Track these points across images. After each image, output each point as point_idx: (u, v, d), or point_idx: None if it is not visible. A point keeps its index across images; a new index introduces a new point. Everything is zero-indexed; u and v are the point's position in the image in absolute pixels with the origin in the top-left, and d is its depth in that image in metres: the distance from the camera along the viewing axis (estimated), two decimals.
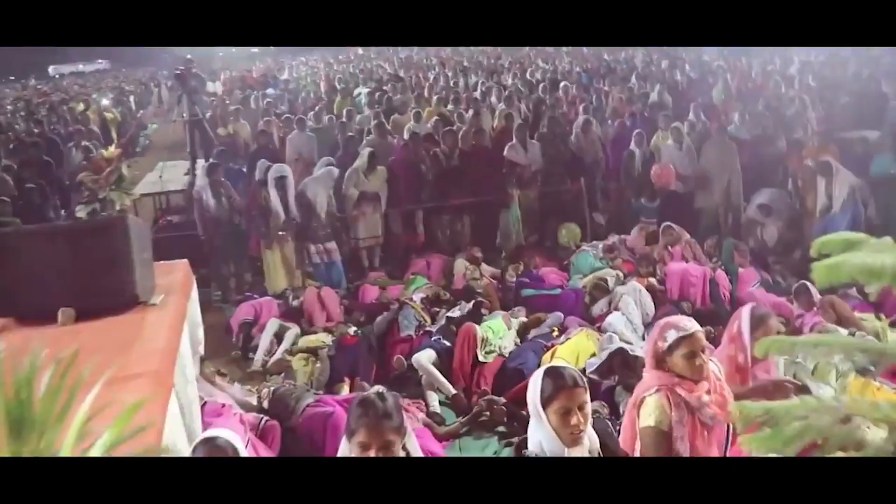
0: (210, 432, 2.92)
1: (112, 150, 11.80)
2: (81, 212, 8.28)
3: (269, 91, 20.36)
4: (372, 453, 2.52)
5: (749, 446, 1.59)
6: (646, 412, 3.28)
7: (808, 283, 7.20)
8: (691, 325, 3.30)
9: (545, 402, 2.62)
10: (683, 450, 3.16)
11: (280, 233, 8.94)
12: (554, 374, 2.69)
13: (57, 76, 50.79)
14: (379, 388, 2.93)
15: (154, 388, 3.42)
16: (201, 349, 5.70)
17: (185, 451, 3.90)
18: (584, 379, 2.75)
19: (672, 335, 3.26)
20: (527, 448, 2.70)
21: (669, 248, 8.87)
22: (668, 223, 9.19)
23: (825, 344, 1.59)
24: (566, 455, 2.58)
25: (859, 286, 7.89)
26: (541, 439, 2.64)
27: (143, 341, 3.96)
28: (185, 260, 5.45)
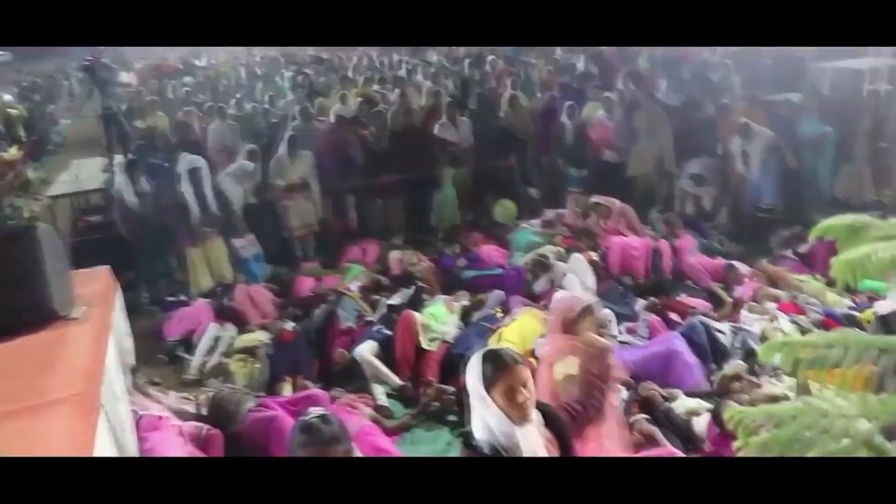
0: None
1: (13, 151, 11.12)
2: None
3: (187, 80, 19.60)
4: None
5: (749, 450, 1.48)
6: (561, 368, 3.76)
7: (733, 263, 7.46)
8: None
9: (488, 386, 2.60)
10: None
11: (204, 229, 8.58)
12: (492, 356, 2.68)
13: None
14: (319, 409, 2.75)
15: (79, 413, 3.16)
16: (131, 360, 5.39)
17: None
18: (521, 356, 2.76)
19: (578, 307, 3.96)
20: (474, 438, 2.64)
21: (603, 222, 8.80)
22: (596, 199, 9.08)
23: (839, 343, 1.45)
24: (517, 433, 2.56)
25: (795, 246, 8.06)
26: (488, 422, 2.60)
27: (64, 360, 3.67)
28: (106, 267, 5.11)
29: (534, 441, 2.61)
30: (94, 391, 3.48)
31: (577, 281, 7.20)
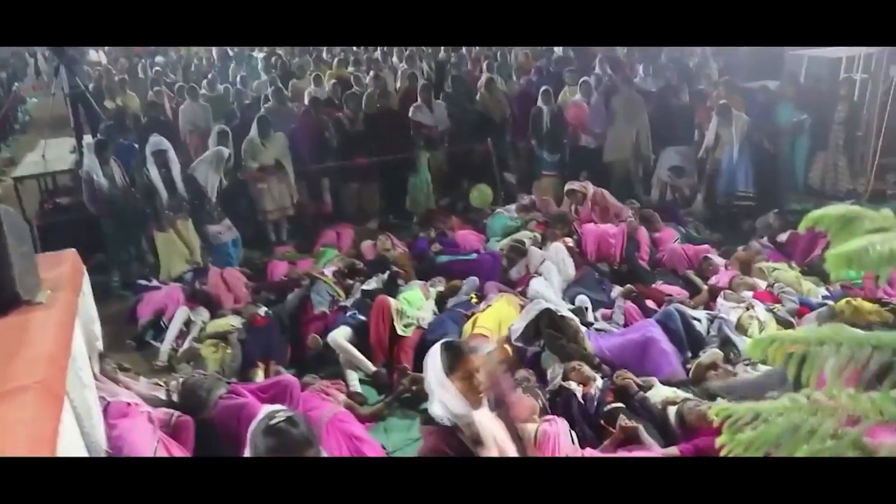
0: None
1: None
2: None
3: (158, 59, 19.30)
4: None
5: (734, 448, 1.44)
6: None
7: (709, 255, 7.48)
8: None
9: (448, 372, 2.80)
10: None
11: (172, 213, 8.42)
12: (451, 346, 2.90)
13: None
14: (283, 411, 2.68)
15: (43, 401, 3.06)
16: (100, 345, 5.26)
17: None
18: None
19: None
20: (432, 419, 2.84)
21: (577, 207, 8.76)
22: (570, 185, 8.98)
23: (831, 340, 1.40)
24: (473, 414, 2.79)
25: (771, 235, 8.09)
26: (447, 404, 2.79)
27: (28, 347, 3.54)
28: (73, 250, 4.96)
29: (488, 422, 2.84)
30: (59, 378, 3.37)
31: (554, 269, 7.15)
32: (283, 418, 2.57)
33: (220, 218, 8.88)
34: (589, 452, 4.31)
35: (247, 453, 2.61)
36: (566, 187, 8.97)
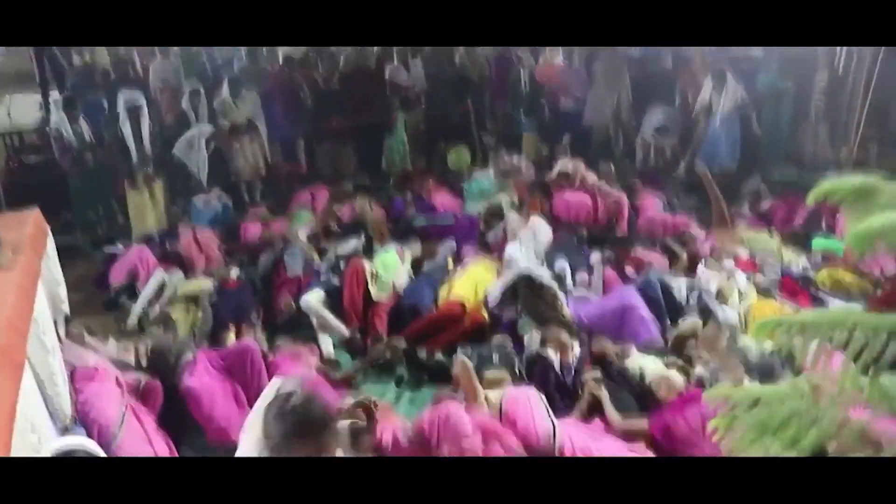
0: (67, 443, 2.46)
1: None
2: None
3: None
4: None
5: (728, 432, 1.36)
6: None
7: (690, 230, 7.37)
8: None
9: None
10: None
11: (146, 170, 8.23)
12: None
13: None
14: (292, 382, 2.51)
15: (2, 369, 2.94)
16: (65, 308, 5.13)
17: (48, 429, 3.45)
18: None
19: None
20: None
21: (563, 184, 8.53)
22: (561, 167, 8.39)
23: (843, 324, 1.31)
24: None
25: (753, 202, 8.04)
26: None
27: None
28: (36, 210, 4.80)
29: None
30: (19, 343, 3.25)
31: (531, 234, 7.05)
32: (298, 400, 2.37)
33: (210, 188, 8.83)
34: (564, 421, 4.24)
35: (252, 433, 2.43)
36: (557, 169, 8.46)
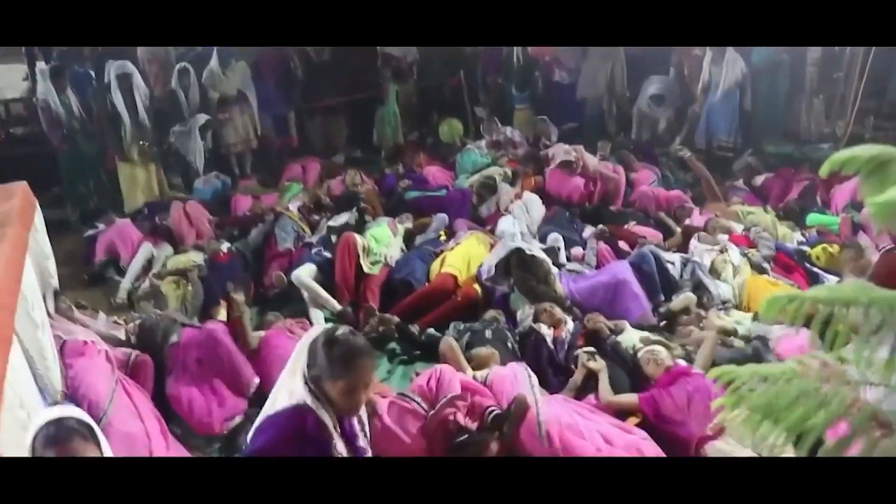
0: (56, 412, 2.45)
1: None
2: None
3: None
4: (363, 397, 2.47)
5: (733, 413, 1.33)
6: None
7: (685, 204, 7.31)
8: None
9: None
10: None
11: (141, 143, 8.14)
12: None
13: None
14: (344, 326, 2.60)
15: None
16: (54, 282, 5.06)
17: (37, 404, 3.42)
18: None
19: None
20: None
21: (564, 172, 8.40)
22: (564, 157, 8.00)
23: (858, 300, 1.27)
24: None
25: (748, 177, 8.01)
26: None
27: None
28: (24, 182, 4.72)
29: None
30: (7, 320, 3.20)
31: (524, 208, 7.00)
32: (343, 331, 2.47)
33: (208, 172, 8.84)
34: (552, 397, 4.21)
35: (297, 365, 2.48)
36: (562, 157, 8.12)
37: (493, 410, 3.76)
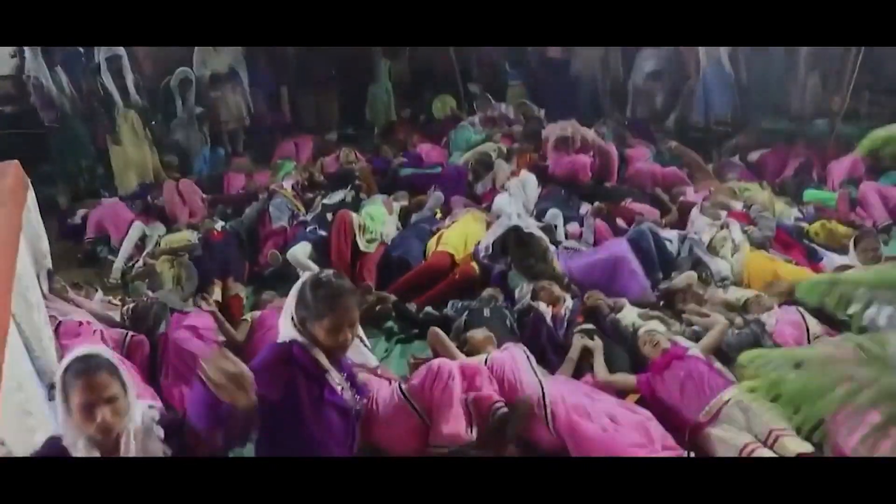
0: (86, 350, 2.47)
1: None
2: None
3: None
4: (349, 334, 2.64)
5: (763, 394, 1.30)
6: None
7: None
8: None
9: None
10: None
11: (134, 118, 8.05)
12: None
13: None
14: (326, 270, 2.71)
15: None
16: (48, 262, 5.01)
17: (35, 387, 3.38)
18: None
19: None
20: None
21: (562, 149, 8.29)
22: (561, 133, 7.71)
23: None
24: None
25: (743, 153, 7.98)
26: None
27: None
28: (15, 161, 4.65)
29: None
30: (4, 301, 3.15)
31: (520, 185, 6.95)
32: (329, 274, 2.69)
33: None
34: (556, 377, 4.19)
35: (289, 309, 2.66)
36: (558, 134, 7.78)
37: (500, 408, 3.71)
